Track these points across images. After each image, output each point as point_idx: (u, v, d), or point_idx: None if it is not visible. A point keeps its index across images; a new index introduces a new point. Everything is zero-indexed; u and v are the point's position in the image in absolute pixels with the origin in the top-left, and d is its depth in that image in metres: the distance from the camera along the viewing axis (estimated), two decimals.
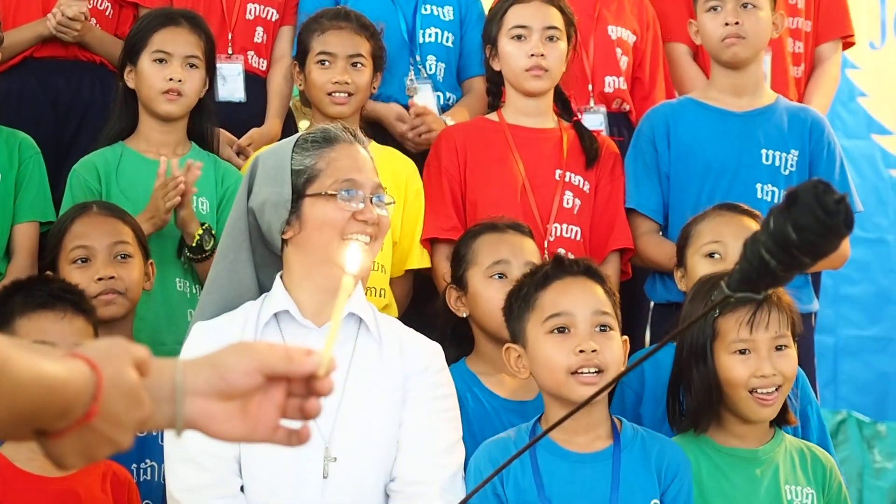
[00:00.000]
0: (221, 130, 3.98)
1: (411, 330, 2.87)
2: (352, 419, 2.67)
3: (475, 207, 3.74)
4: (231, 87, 4.15)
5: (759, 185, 3.80)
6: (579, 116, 4.01)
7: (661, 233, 3.86)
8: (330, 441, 2.66)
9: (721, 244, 3.34)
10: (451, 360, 3.00)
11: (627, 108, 4.27)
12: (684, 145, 3.87)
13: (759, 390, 2.86)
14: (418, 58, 4.17)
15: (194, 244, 3.55)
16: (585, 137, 3.85)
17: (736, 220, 3.37)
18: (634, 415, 3.26)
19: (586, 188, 3.82)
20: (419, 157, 3.89)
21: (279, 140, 3.27)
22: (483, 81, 4.05)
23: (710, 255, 3.36)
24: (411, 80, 4.17)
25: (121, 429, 1.36)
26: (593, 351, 2.77)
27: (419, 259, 3.76)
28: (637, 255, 3.83)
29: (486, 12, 4.07)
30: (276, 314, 2.75)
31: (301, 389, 1.52)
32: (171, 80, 3.68)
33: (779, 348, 2.88)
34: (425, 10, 4.22)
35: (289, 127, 4.22)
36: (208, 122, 3.84)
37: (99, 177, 3.67)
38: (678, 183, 3.85)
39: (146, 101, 3.73)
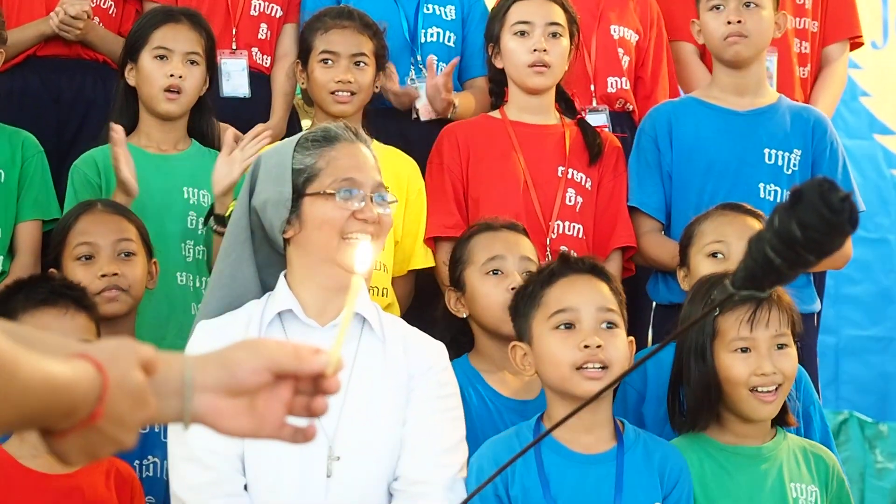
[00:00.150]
0: (229, 132, 4.00)
1: (415, 329, 2.87)
2: (355, 418, 2.67)
3: (477, 205, 3.74)
4: (235, 82, 4.16)
5: (761, 185, 3.80)
6: (583, 115, 4.01)
7: (663, 232, 3.86)
8: (333, 440, 2.66)
9: (724, 244, 3.35)
10: (452, 359, 3.00)
11: (631, 107, 4.27)
12: (687, 144, 3.87)
13: (759, 389, 2.86)
14: (420, 57, 4.18)
15: (228, 214, 3.53)
16: (589, 134, 3.85)
17: (739, 220, 3.37)
18: (637, 414, 3.26)
19: (588, 185, 3.82)
20: (421, 156, 3.89)
21: (284, 137, 3.28)
22: (485, 81, 4.05)
23: (714, 254, 3.36)
24: (412, 79, 4.17)
25: (125, 429, 1.37)
26: (598, 346, 2.78)
27: (423, 259, 3.76)
28: (639, 253, 3.83)
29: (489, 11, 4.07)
30: (279, 313, 2.75)
31: (308, 388, 1.53)
32: (171, 76, 3.69)
33: (779, 347, 2.89)
34: (427, 9, 4.23)
35: (293, 125, 4.23)
36: (208, 119, 3.84)
37: (99, 171, 3.68)
38: (680, 182, 3.85)
39: (146, 99, 3.74)
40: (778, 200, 3.73)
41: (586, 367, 2.79)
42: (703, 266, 3.35)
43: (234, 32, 4.20)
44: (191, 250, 3.68)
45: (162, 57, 3.72)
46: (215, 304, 2.86)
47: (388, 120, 4.11)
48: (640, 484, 2.79)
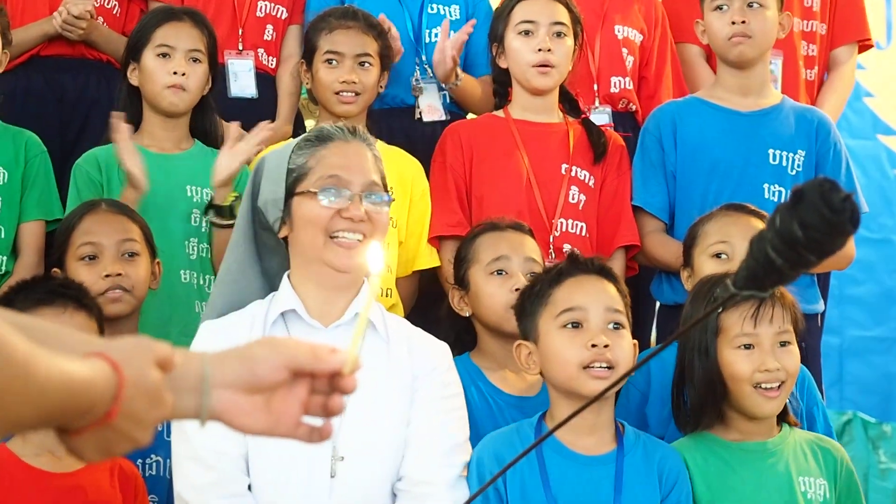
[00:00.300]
0: (234, 125, 4.01)
1: (419, 329, 2.88)
2: (359, 418, 2.67)
3: (481, 203, 3.74)
4: (243, 83, 4.17)
5: (766, 186, 3.80)
6: (587, 114, 4.01)
7: (666, 232, 3.86)
8: (337, 440, 2.66)
9: (728, 244, 3.34)
10: (455, 357, 3.01)
11: (634, 107, 4.27)
12: (691, 144, 3.87)
13: (763, 385, 2.86)
14: (424, 57, 4.18)
15: (227, 205, 3.54)
16: (594, 133, 3.85)
17: (743, 221, 3.37)
18: (640, 414, 3.26)
19: (591, 183, 3.83)
20: (425, 155, 3.89)
21: (290, 138, 3.29)
22: (489, 81, 4.06)
23: (717, 255, 3.36)
24: (417, 79, 4.18)
25: (140, 427, 1.38)
26: (605, 346, 2.79)
27: (427, 259, 3.76)
28: (643, 253, 3.83)
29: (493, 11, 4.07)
30: (283, 314, 2.75)
31: (325, 387, 1.53)
32: (174, 73, 3.69)
33: (782, 344, 2.89)
34: (431, 9, 4.23)
35: (297, 126, 4.23)
36: (211, 118, 3.85)
37: (101, 170, 3.68)
38: (684, 182, 3.85)
39: (150, 96, 3.75)
40: (782, 201, 3.72)
41: (593, 367, 2.79)
42: (706, 266, 3.35)
43: (240, 33, 4.21)
44: (194, 248, 3.69)
45: (164, 55, 3.73)
46: (221, 302, 2.88)
47: (391, 120, 4.12)
48: (639, 486, 2.80)
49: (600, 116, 4.16)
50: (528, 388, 3.21)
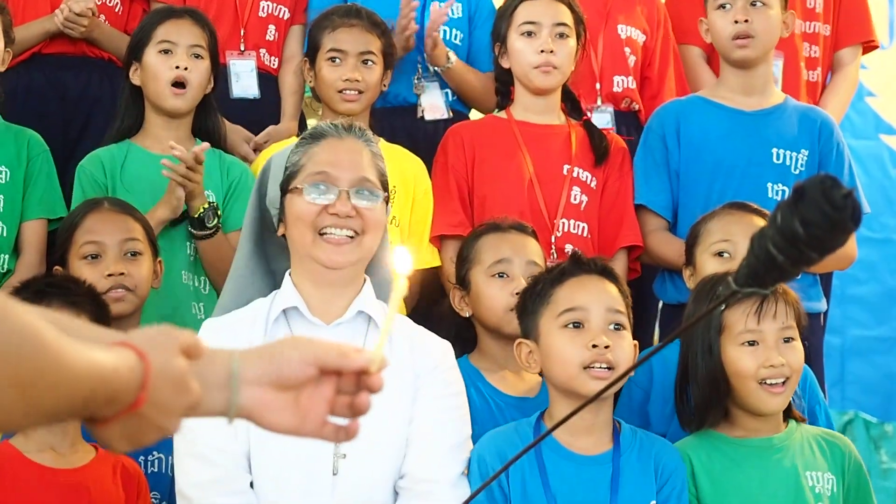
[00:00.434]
0: (238, 128, 4.01)
1: (421, 328, 2.87)
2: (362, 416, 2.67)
3: (483, 203, 3.74)
4: (245, 83, 4.17)
5: (769, 185, 3.80)
6: (588, 115, 4.01)
7: (670, 230, 3.86)
8: None
9: (730, 243, 3.35)
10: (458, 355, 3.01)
11: (637, 107, 4.27)
12: (694, 143, 3.87)
13: (768, 381, 2.86)
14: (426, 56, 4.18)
15: (196, 216, 3.58)
16: (595, 136, 3.86)
17: (745, 219, 3.37)
18: (642, 412, 3.26)
19: (593, 184, 3.83)
20: (427, 155, 3.90)
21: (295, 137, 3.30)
22: (492, 78, 4.06)
23: (720, 253, 3.36)
24: (419, 78, 4.18)
25: (168, 415, 1.38)
26: (606, 347, 2.79)
27: (429, 258, 3.76)
28: (646, 252, 3.83)
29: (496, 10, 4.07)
30: (285, 311, 2.75)
31: (351, 386, 1.54)
32: (177, 68, 3.70)
33: (786, 340, 2.89)
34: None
35: (302, 125, 4.24)
36: (214, 119, 3.85)
37: (104, 171, 3.68)
38: (688, 181, 3.85)
39: (153, 96, 3.75)
40: None
41: (593, 367, 2.79)
42: (709, 265, 3.35)
43: (242, 34, 4.21)
44: (195, 249, 3.69)
45: (166, 51, 3.74)
46: (229, 299, 2.90)
47: (394, 118, 4.12)
48: (635, 485, 2.80)
49: (603, 115, 4.17)
50: (529, 390, 3.21)
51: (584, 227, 3.78)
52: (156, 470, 3.08)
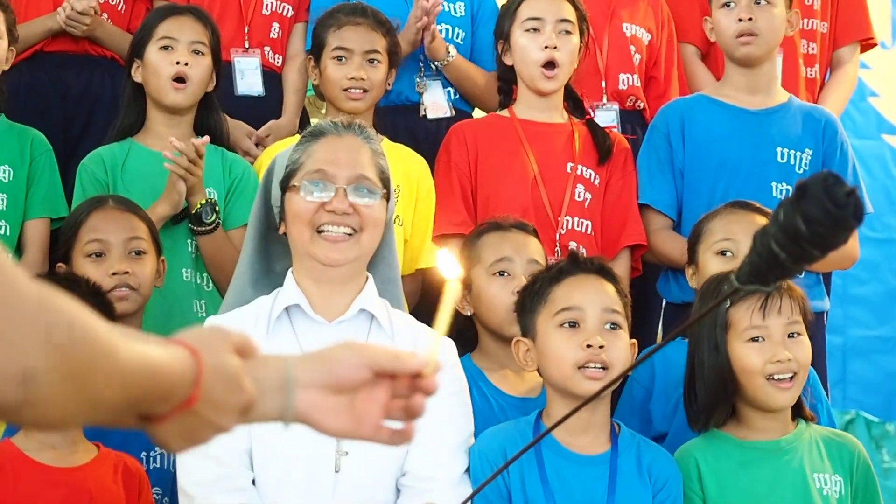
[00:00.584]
0: (240, 123, 4.01)
1: (424, 325, 2.87)
2: None
3: (487, 202, 3.74)
4: (249, 80, 4.18)
5: (773, 184, 3.80)
6: (591, 114, 4.01)
7: (674, 229, 3.86)
8: None
9: (733, 242, 3.34)
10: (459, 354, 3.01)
11: (641, 105, 4.27)
12: (699, 142, 3.86)
13: (775, 376, 2.85)
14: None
15: (194, 212, 3.59)
16: (598, 135, 3.85)
17: (748, 218, 3.36)
18: (644, 411, 3.26)
19: (597, 182, 3.82)
20: (430, 153, 3.90)
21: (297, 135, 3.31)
22: (494, 76, 4.06)
23: (722, 252, 3.36)
24: (421, 76, 4.18)
25: (223, 412, 1.38)
26: (600, 347, 2.79)
27: (431, 257, 3.76)
28: (650, 250, 3.83)
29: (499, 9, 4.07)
30: (287, 309, 2.76)
31: (404, 390, 1.53)
32: (177, 63, 3.70)
33: (792, 336, 2.88)
34: None
35: (305, 123, 4.24)
36: (216, 116, 3.85)
37: (106, 169, 3.68)
38: (692, 179, 3.85)
39: (154, 92, 3.75)
40: None
41: (588, 367, 2.80)
42: (711, 264, 3.34)
43: (246, 31, 4.21)
44: (196, 246, 3.69)
45: (167, 47, 3.74)
46: (234, 291, 2.91)
47: (396, 117, 4.12)
48: (632, 486, 2.80)
49: (608, 113, 4.16)
50: (530, 390, 3.20)
51: (587, 225, 3.78)
52: (158, 466, 3.08)
